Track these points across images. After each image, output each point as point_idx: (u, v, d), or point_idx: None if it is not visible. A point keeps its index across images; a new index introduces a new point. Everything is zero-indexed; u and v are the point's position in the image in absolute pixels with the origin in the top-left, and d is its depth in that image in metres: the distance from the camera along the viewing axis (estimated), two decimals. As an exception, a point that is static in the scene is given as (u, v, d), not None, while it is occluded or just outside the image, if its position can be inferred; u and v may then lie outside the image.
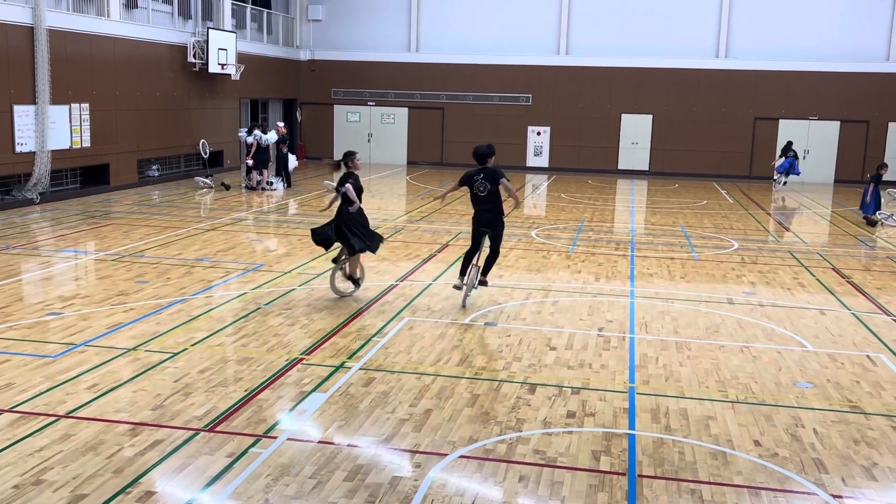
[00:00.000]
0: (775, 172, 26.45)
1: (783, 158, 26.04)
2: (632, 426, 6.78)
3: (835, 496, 5.68)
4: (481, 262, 10.55)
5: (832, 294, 11.81)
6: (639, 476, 5.88)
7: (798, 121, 28.85)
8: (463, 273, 10.52)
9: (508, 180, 10.27)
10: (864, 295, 11.78)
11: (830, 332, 9.81)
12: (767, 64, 28.58)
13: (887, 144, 28.32)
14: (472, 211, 10.47)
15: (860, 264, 14.29)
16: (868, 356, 8.87)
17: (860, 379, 8.11)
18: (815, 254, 15.07)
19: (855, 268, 13.86)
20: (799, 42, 28.40)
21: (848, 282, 12.65)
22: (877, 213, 19.01)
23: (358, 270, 10.81)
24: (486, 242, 10.48)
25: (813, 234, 18.25)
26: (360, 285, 10.87)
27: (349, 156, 10.49)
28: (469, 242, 10.68)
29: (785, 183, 26.45)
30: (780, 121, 29.04)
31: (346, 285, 10.88)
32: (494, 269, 12.78)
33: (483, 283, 10.65)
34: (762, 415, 7.11)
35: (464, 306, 10.37)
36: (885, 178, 19.88)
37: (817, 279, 12.79)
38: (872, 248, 16.11)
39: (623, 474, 5.90)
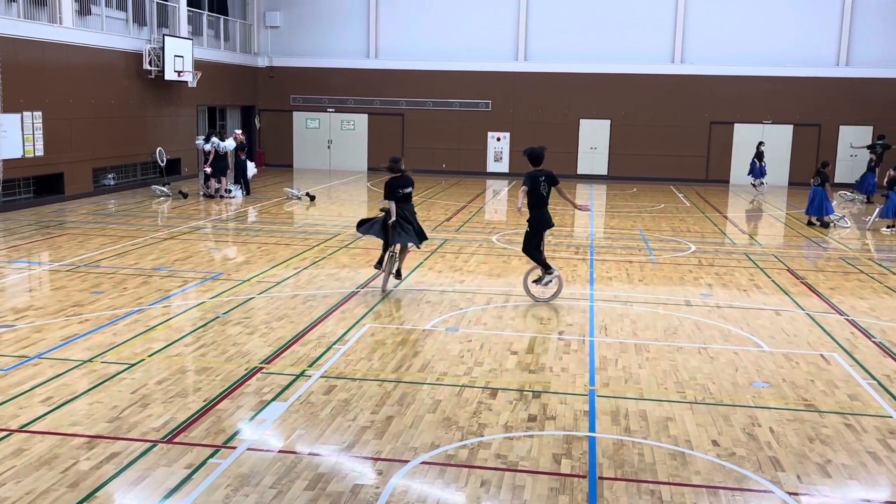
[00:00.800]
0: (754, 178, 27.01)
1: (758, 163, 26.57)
2: (592, 429, 6.82)
3: (791, 493, 5.77)
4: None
5: (787, 295, 12.01)
6: (599, 478, 5.92)
7: (752, 125, 29.35)
8: (547, 267, 11.04)
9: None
10: (817, 295, 12.01)
11: (786, 332, 9.97)
12: (722, 69, 29.03)
13: (838, 147, 28.93)
14: (535, 211, 10.87)
15: (814, 265, 14.56)
16: (822, 355, 9.04)
17: (815, 378, 8.26)
18: (770, 255, 15.32)
19: (808, 269, 14.12)
20: (752, 47, 28.91)
21: (802, 282, 12.89)
22: (829, 214, 19.33)
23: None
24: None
25: (768, 237, 18.56)
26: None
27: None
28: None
29: (762, 184, 26.88)
30: (735, 125, 29.51)
31: (393, 282, 11.69)
32: (455, 275, 12.82)
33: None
34: (720, 415, 7.20)
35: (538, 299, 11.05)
36: (835, 180, 20.17)
37: (772, 280, 13.01)
38: (825, 249, 16.42)
39: (584, 477, 5.94)
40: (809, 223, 19.30)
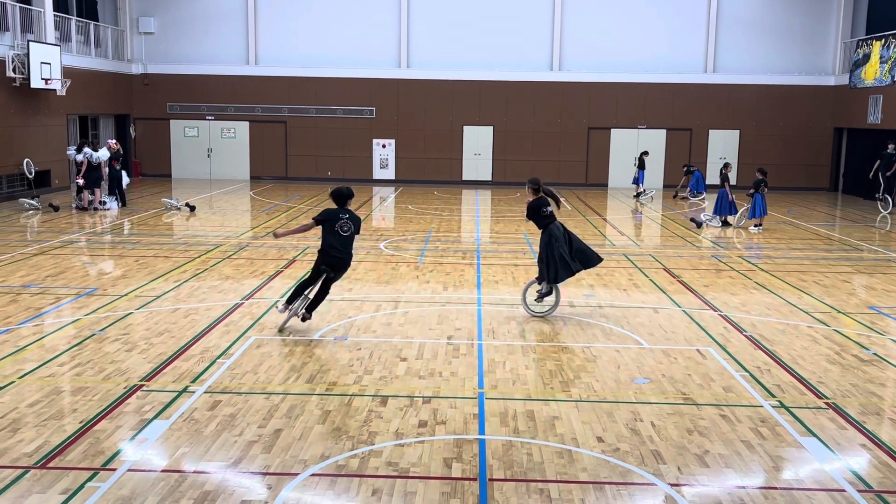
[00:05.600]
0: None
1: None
2: (482, 431, 6.89)
3: (672, 485, 5.99)
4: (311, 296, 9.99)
5: (664, 293, 12.48)
6: (490, 480, 5.98)
7: (628, 130, 30.42)
8: (291, 301, 9.82)
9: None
10: (692, 293, 12.52)
11: (664, 329, 10.35)
12: (598, 76, 30.00)
13: (709, 150, 30.35)
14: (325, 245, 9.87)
15: (688, 264, 15.19)
16: (698, 350, 9.43)
17: (692, 372, 8.61)
18: (647, 255, 15.89)
19: (684, 267, 14.71)
20: (627, 56, 29.99)
21: (678, 281, 13.42)
22: (702, 214, 20.20)
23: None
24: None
25: (645, 237, 19.24)
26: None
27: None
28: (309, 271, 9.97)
29: (644, 192, 26.92)
30: (612, 130, 30.52)
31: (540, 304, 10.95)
32: (344, 283, 12.70)
33: (306, 318, 9.96)
34: (604, 412, 7.41)
35: (280, 331, 9.81)
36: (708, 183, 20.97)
37: (650, 279, 13.49)
38: (699, 247, 17.16)
39: (474, 479, 5.99)
40: (724, 223, 19.81)
